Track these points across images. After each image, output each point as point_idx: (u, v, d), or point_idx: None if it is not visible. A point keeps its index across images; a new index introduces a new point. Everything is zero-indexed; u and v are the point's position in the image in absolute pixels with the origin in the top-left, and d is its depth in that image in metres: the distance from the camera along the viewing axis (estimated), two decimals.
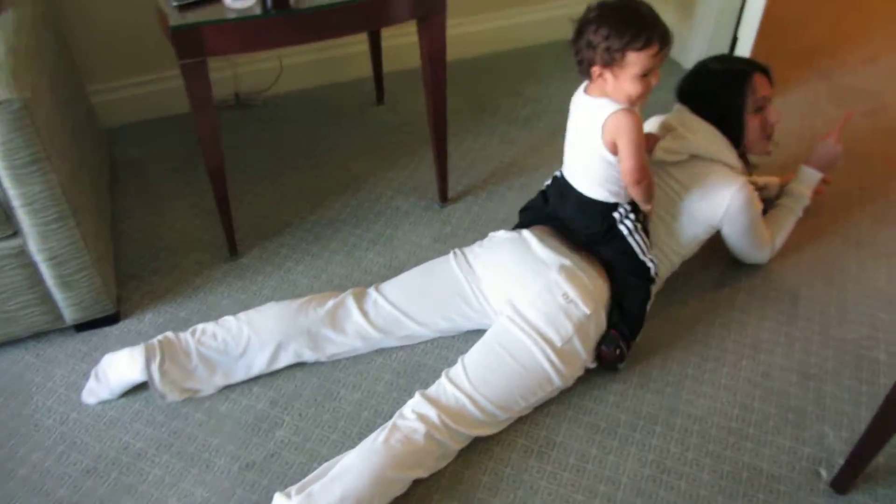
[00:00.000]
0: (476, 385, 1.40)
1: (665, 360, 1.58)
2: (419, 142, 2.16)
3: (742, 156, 1.68)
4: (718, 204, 1.59)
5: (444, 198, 1.97)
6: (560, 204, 1.57)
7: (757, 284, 1.76)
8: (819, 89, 2.43)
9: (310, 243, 1.88)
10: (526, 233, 1.58)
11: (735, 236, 1.67)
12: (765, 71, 1.66)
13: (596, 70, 1.37)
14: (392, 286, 1.61)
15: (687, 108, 1.68)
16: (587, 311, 1.46)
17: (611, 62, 1.34)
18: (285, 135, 2.23)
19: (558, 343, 1.43)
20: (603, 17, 1.33)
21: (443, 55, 1.71)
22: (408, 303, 1.58)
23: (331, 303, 1.56)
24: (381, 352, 1.60)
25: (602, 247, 1.54)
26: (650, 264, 1.54)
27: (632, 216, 1.52)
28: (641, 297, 1.54)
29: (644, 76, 1.34)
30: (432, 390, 1.41)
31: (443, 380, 1.42)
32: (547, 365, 1.43)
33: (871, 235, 1.90)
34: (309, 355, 1.55)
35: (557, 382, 1.45)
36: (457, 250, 1.63)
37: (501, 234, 1.63)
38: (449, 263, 1.61)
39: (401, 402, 1.42)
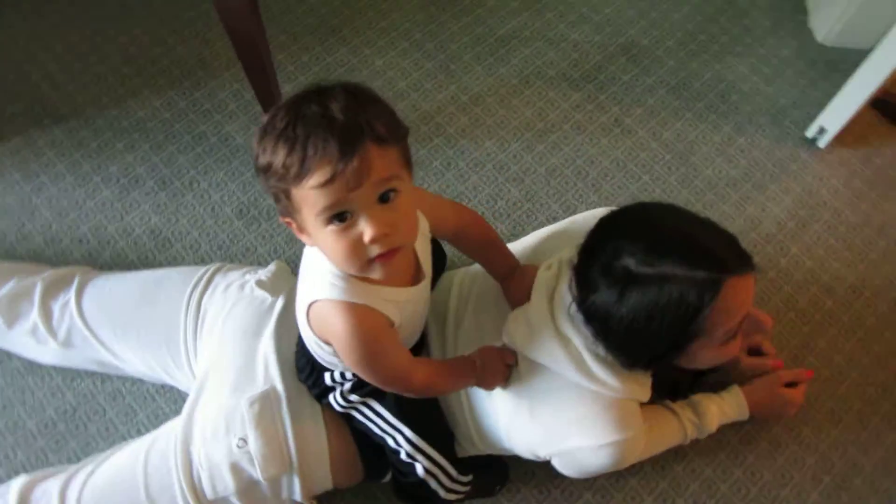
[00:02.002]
0: None
1: None
2: None
3: (668, 371, 0.95)
4: (562, 443, 0.96)
5: None
6: None
7: None
8: None
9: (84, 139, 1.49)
10: (280, 305, 1.10)
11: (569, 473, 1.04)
12: (742, 262, 0.84)
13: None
14: (97, 293, 1.17)
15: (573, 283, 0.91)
16: (258, 478, 1.00)
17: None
18: None
19: (208, 496, 1.00)
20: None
21: None
22: (104, 325, 1.15)
23: (12, 282, 1.18)
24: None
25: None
26: (410, 461, 1.00)
27: (355, 394, 1.00)
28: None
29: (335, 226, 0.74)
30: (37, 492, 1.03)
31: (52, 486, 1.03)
32: None
33: None
34: None
35: None
36: (203, 279, 1.15)
37: (259, 293, 1.11)
38: (180, 296, 1.14)
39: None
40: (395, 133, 0.74)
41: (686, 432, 1.12)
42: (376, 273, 0.78)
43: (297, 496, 1.04)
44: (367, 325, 0.83)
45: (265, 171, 0.73)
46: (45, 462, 1.21)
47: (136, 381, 1.26)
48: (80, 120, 1.51)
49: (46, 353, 1.20)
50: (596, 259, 0.87)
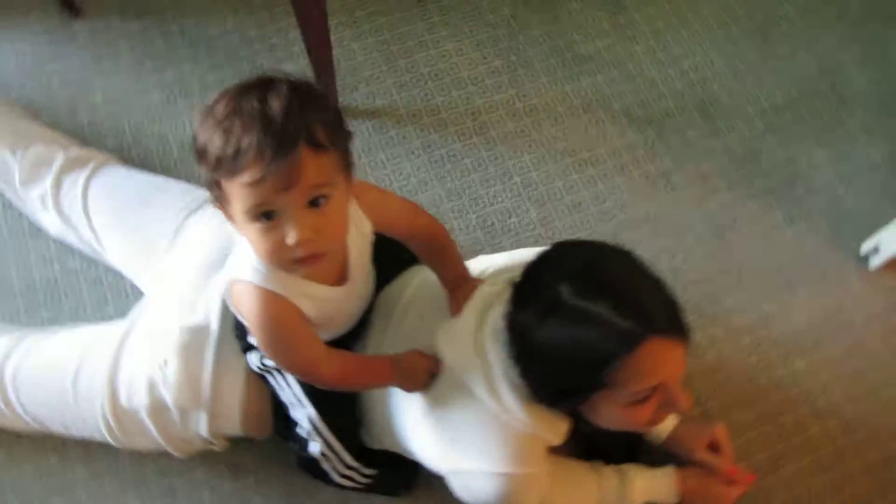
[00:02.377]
0: (20, 396, 1.09)
1: None
2: None
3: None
4: (458, 462, 0.95)
5: None
6: None
7: None
8: None
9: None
10: None
11: None
12: (672, 326, 0.81)
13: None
14: (106, 181, 1.23)
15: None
16: (169, 403, 1.03)
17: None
18: None
19: (122, 402, 1.05)
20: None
21: None
22: (100, 212, 1.21)
23: (41, 146, 1.26)
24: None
25: None
26: (306, 438, 1.03)
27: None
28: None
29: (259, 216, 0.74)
30: None
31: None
32: (100, 419, 1.06)
33: None
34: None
35: (109, 440, 1.09)
36: (198, 199, 1.17)
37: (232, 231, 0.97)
38: (173, 208, 1.17)
39: None
40: (334, 139, 0.74)
41: (603, 495, 1.07)
42: (298, 273, 0.81)
43: (203, 432, 1.07)
44: (278, 313, 0.84)
45: (200, 155, 0.75)
46: (18, 320, 1.30)
47: (118, 275, 1.33)
48: (157, 19, 1.58)
49: (49, 222, 1.29)
50: (536, 279, 0.85)
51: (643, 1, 1.66)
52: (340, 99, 1.48)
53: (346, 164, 0.78)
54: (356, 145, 1.41)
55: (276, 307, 0.84)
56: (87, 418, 1.07)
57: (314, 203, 0.74)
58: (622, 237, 1.43)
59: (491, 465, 0.91)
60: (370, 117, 1.50)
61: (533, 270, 0.87)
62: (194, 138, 0.76)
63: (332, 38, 1.34)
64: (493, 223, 1.42)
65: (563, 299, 0.79)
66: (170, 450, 1.10)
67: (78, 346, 1.12)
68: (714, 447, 1.14)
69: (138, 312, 1.13)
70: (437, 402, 0.95)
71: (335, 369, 0.91)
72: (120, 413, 1.06)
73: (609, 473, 1.09)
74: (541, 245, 1.33)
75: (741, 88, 1.60)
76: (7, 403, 1.11)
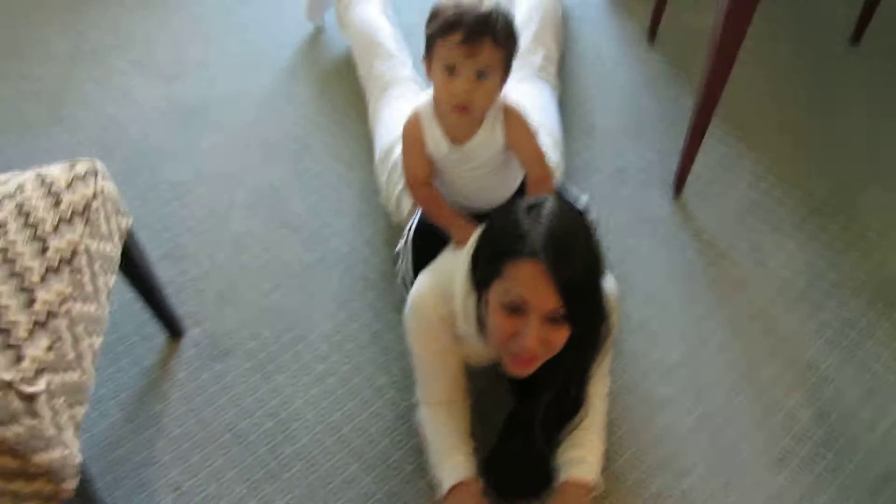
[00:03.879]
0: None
1: None
2: None
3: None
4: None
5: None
6: None
7: None
8: None
9: None
10: None
11: None
12: (558, 271, 1.00)
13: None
14: None
15: None
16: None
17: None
18: None
19: None
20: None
21: None
22: None
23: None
24: None
25: None
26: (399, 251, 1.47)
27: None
28: None
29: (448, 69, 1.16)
30: None
31: None
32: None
33: None
34: None
35: None
36: None
37: None
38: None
39: None
40: (507, 44, 1.16)
41: (443, 450, 1.23)
42: (447, 120, 1.23)
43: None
44: (411, 126, 1.27)
45: (432, 17, 1.16)
46: None
47: None
48: None
49: None
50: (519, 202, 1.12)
51: None
52: None
53: (507, 65, 1.18)
54: None
55: (413, 122, 1.26)
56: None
57: (480, 75, 1.14)
58: None
59: (423, 289, 1.22)
60: None
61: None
62: (434, 8, 1.16)
63: None
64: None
65: (517, 208, 1.07)
66: None
67: None
68: None
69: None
70: (449, 255, 1.26)
71: (422, 193, 1.30)
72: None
73: (463, 453, 1.22)
74: None
75: None
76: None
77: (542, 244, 1.01)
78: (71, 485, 0.96)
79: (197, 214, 1.68)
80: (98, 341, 1.06)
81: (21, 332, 0.91)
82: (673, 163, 1.71)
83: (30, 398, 0.87)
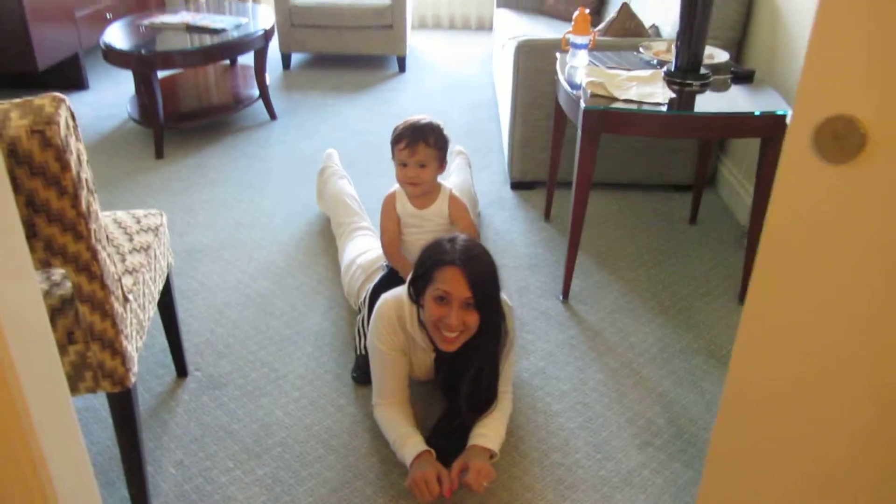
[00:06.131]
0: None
1: None
2: None
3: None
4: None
5: None
6: None
7: None
8: None
9: None
10: None
11: None
12: (470, 272, 1.57)
13: None
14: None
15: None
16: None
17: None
18: None
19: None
20: None
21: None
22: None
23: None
24: None
25: None
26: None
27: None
28: None
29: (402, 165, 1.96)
30: None
31: None
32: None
33: None
34: None
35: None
36: None
37: None
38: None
39: None
40: (437, 143, 1.96)
41: (398, 431, 1.65)
42: (407, 192, 2.01)
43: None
44: (389, 199, 2.05)
45: (393, 133, 1.99)
46: None
47: None
48: None
49: None
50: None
51: None
52: None
53: (441, 159, 1.98)
54: None
55: (391, 195, 2.05)
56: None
57: (422, 166, 1.93)
58: None
59: (385, 298, 1.75)
60: None
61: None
62: (394, 128, 2.00)
63: None
64: None
65: (440, 240, 1.65)
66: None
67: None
68: (463, 468, 1.59)
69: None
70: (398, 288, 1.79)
71: (391, 251, 2.04)
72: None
73: (417, 435, 1.64)
74: None
75: None
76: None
77: (458, 255, 1.61)
78: (132, 379, 1.38)
79: (200, 310, 2.19)
80: (151, 309, 1.55)
81: (120, 267, 1.41)
82: (559, 286, 2.35)
83: (125, 297, 1.35)
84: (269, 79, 3.61)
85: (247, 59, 4.20)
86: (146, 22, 3.44)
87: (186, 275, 2.35)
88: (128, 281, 1.41)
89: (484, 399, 1.70)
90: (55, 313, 1.28)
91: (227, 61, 4.08)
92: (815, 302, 1.03)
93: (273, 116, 3.60)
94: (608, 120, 2.02)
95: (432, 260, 1.62)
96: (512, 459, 1.70)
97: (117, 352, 1.33)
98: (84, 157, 1.17)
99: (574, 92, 2.12)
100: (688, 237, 2.70)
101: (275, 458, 1.67)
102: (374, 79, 4.25)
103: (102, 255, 1.23)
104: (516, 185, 3.02)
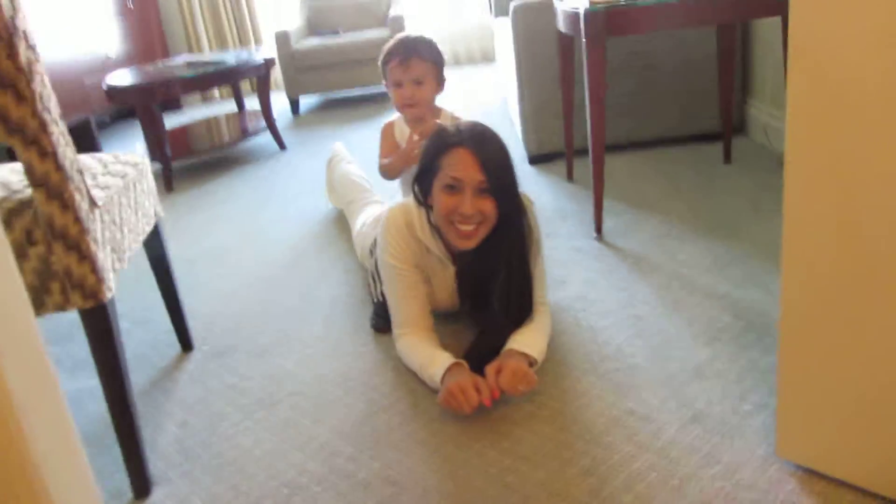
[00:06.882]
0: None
1: None
2: None
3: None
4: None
5: None
6: None
7: None
8: None
9: None
10: None
11: None
12: (480, 152, 1.40)
13: None
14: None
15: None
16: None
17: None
18: None
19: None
20: None
21: None
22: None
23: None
24: None
25: None
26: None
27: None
28: None
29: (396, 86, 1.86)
30: None
31: None
32: None
33: None
34: None
35: None
36: None
37: None
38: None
39: None
40: (431, 56, 1.87)
41: (424, 355, 1.44)
42: (405, 114, 1.94)
43: None
44: (387, 127, 2.03)
45: (383, 54, 1.89)
46: None
47: None
48: None
49: None
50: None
51: None
52: None
53: (438, 75, 1.88)
54: None
55: (389, 123, 2.02)
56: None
57: (417, 83, 1.82)
58: None
59: (392, 208, 1.58)
60: None
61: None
62: (384, 48, 1.91)
63: None
64: None
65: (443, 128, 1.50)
66: None
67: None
68: (498, 371, 1.36)
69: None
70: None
71: (391, 174, 2.00)
72: None
73: (444, 353, 1.42)
74: None
75: None
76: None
77: (467, 136, 1.44)
78: (107, 294, 1.21)
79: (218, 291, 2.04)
80: (133, 239, 1.40)
81: (90, 182, 1.28)
82: (590, 230, 2.14)
83: (92, 199, 1.21)
84: (277, 121, 3.58)
85: (253, 104, 4.23)
86: (149, 67, 3.48)
87: (192, 275, 2.21)
88: (98, 193, 1.27)
89: (518, 307, 1.49)
90: (12, 215, 1.14)
91: (236, 108, 4.09)
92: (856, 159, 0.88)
93: (282, 146, 3.55)
94: (613, 21, 1.87)
95: (438, 146, 1.45)
96: (559, 372, 1.46)
97: (84, 256, 1.17)
98: (20, 3, 1.06)
99: (573, 9, 1.99)
100: (725, 172, 2.49)
101: (289, 407, 1.46)
102: (385, 110, 4.20)
103: (54, 129, 1.10)
104: (534, 160, 2.86)
